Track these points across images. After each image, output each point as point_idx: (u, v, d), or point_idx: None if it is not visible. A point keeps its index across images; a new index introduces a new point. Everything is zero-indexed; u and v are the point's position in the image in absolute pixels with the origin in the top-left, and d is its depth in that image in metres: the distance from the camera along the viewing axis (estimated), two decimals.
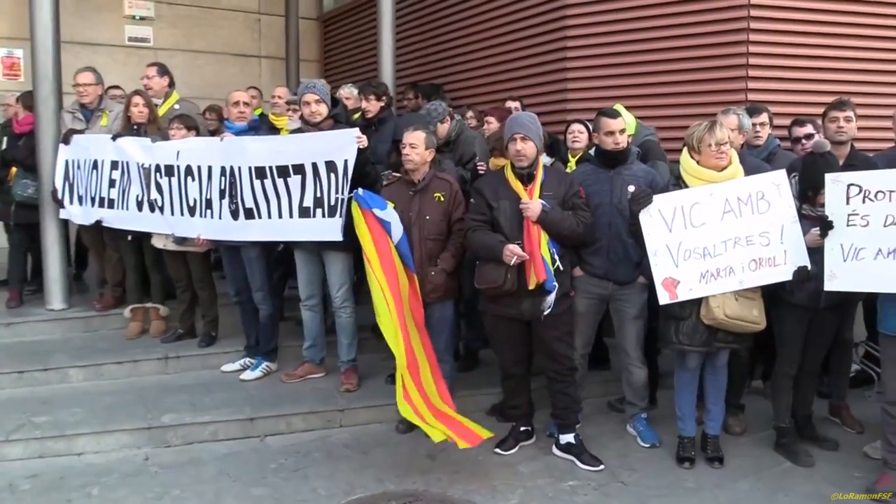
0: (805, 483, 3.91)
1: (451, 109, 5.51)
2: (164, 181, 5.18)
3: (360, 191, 4.32)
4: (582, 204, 4.10)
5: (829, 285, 3.74)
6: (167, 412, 4.50)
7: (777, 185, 3.84)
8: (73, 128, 5.70)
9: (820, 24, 5.72)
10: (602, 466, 4.05)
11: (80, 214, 5.69)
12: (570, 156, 5.03)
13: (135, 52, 8.73)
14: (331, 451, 4.30)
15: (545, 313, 3.97)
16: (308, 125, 4.78)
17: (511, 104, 5.93)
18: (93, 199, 5.55)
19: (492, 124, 5.52)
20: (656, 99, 5.78)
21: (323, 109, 4.72)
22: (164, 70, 5.91)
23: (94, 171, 5.52)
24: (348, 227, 4.46)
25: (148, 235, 5.50)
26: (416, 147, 4.31)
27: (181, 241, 5.24)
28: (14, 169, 5.97)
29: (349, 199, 4.44)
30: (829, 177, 3.72)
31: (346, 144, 4.51)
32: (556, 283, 3.95)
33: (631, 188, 4.21)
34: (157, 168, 5.19)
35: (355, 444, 4.39)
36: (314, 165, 4.61)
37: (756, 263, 3.88)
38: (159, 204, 5.22)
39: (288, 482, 3.93)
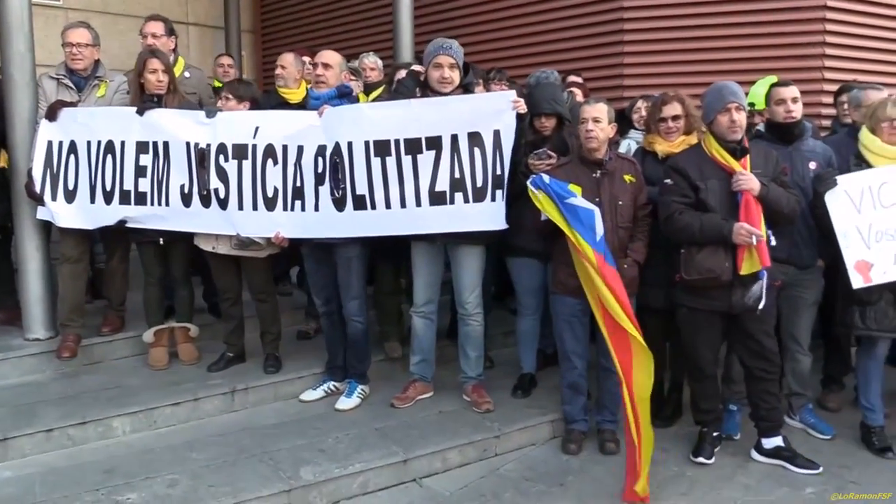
0: None
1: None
2: (230, 165, 4.02)
3: (545, 177, 3.60)
4: (789, 182, 3.73)
5: None
6: (300, 465, 3.48)
7: None
8: (61, 99, 4.29)
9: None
10: (821, 468, 3.71)
11: (70, 215, 4.26)
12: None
13: (41, 13, 6.94)
14: (520, 488, 3.57)
15: (761, 306, 3.55)
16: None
17: (573, 79, 5.42)
18: (107, 195, 4.19)
19: (577, 97, 4.98)
20: (721, 75, 5.50)
21: (456, 76, 3.90)
22: (171, 28, 4.67)
23: (109, 155, 4.17)
24: None
25: (181, 239, 4.31)
26: (600, 121, 3.67)
27: (245, 245, 4.14)
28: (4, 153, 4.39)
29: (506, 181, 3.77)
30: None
31: (498, 111, 3.78)
32: (765, 270, 3.56)
33: (812, 165, 3.97)
34: (222, 149, 4.02)
35: (537, 476, 3.68)
36: (454, 138, 3.80)
37: None
38: (221, 195, 4.05)
39: None
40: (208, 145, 4.03)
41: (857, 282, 3.76)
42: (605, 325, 3.51)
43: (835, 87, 5.26)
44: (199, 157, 4.03)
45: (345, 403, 4.16)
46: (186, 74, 4.76)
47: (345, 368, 4.33)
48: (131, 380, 4.26)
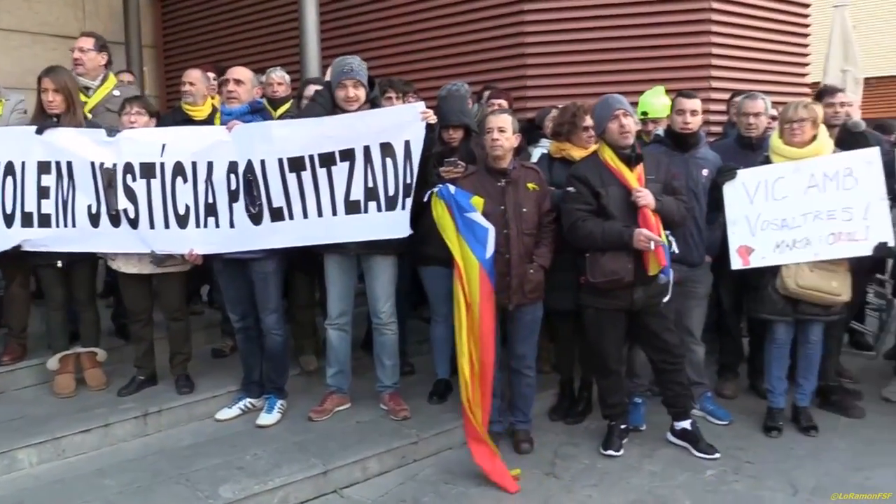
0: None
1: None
2: (138, 185, 3.97)
3: (451, 187, 3.71)
4: (680, 188, 3.98)
5: None
6: (219, 484, 3.45)
7: (869, 162, 3.99)
8: None
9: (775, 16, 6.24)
10: (718, 455, 3.95)
11: None
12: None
13: None
14: (439, 491, 3.66)
15: (665, 299, 3.81)
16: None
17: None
18: (8, 218, 4.04)
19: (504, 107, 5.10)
20: (618, 85, 5.78)
21: (362, 94, 3.97)
22: (103, 44, 4.56)
23: (9, 177, 4.02)
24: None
25: (83, 261, 4.21)
26: (505, 131, 3.81)
27: (161, 260, 4.08)
28: None
29: (414, 189, 3.86)
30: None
31: (408, 122, 3.87)
32: (671, 269, 3.81)
33: (704, 172, 4.26)
34: (129, 168, 3.96)
35: (455, 479, 3.78)
36: (366, 149, 3.88)
37: (835, 237, 4.02)
38: (130, 215, 3.99)
39: None
40: (114, 165, 3.96)
41: (735, 263, 4.14)
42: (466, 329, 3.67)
43: (722, 95, 5.67)
44: (107, 179, 3.95)
45: (266, 419, 4.14)
46: (116, 93, 4.60)
47: (261, 384, 4.32)
48: (36, 409, 4.11)
